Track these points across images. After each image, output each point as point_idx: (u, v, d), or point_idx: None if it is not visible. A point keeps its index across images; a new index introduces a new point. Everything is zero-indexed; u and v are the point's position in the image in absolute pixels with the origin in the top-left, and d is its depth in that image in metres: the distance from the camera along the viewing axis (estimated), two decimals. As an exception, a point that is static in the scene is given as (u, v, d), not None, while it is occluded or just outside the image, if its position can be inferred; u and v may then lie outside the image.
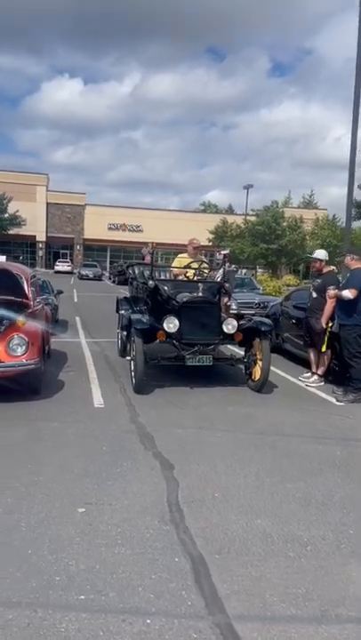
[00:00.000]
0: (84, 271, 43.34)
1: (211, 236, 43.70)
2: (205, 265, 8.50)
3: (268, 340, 7.04)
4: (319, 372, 7.75)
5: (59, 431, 5.24)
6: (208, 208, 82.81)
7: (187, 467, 4.42)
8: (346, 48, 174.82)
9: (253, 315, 10.35)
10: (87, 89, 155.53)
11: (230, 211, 72.18)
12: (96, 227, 59.84)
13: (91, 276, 42.15)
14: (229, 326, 7.02)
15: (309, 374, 7.95)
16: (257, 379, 7.10)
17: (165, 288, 7.62)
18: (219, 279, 8.31)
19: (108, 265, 57.60)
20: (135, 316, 6.93)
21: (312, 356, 7.88)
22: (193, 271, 8.25)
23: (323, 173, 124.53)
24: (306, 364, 8.53)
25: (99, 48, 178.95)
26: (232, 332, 7.02)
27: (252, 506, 3.77)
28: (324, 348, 7.58)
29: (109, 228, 61.03)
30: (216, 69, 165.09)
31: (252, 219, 39.38)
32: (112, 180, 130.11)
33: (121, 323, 9.02)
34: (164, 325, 6.81)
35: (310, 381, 7.72)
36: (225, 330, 7.01)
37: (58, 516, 3.49)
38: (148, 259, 12.48)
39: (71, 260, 56.67)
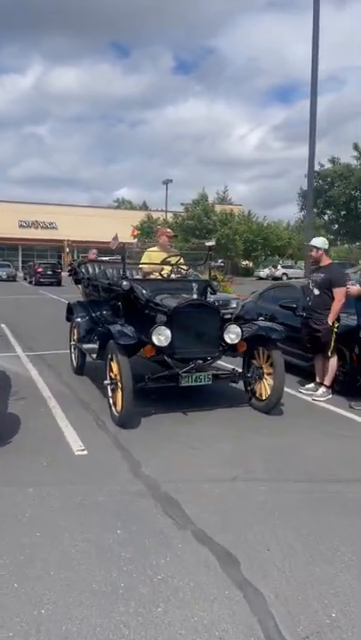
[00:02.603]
0: (-4, 272, 39.95)
1: (136, 232, 42.19)
2: (184, 260, 7.05)
3: (280, 350, 5.72)
4: (326, 382, 6.54)
5: (40, 503, 3.60)
6: (122, 204, 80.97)
7: (254, 556, 2.97)
8: (247, 48, 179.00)
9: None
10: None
11: (145, 207, 70.92)
12: (5, 224, 56.10)
13: (4, 276, 38.77)
14: (232, 335, 5.61)
15: (313, 385, 6.74)
16: (265, 397, 5.77)
17: (144, 291, 6.09)
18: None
19: (20, 264, 54.18)
20: (116, 328, 5.34)
21: (317, 364, 6.67)
22: (169, 268, 6.77)
23: (229, 170, 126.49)
24: (294, 370, 7.32)
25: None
26: (235, 341, 5.62)
27: None
28: (330, 353, 6.40)
29: (21, 226, 57.62)
30: (121, 65, 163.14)
31: (183, 214, 38.21)
32: (15, 177, 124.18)
33: (78, 334, 7.36)
34: (153, 338, 5.29)
35: (318, 395, 6.49)
36: (227, 339, 5.60)
37: None
38: (92, 255, 10.78)
39: (-21, 260, 52.70)
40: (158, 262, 6.78)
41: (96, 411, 5.80)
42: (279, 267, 48.91)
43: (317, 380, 6.69)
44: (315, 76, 12.12)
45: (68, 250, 58.44)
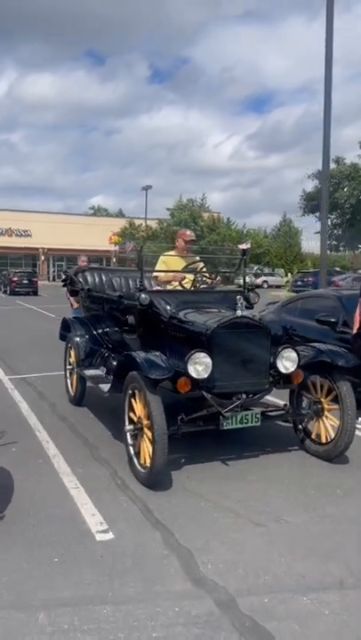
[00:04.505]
0: (-32, 281, 38.02)
1: (115, 238, 40.90)
2: (209, 267, 5.82)
3: (349, 381, 4.49)
4: (387, 415, 5.35)
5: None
6: (98, 212, 79.37)
7: None
8: (222, 58, 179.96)
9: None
10: None
11: (122, 214, 69.68)
12: (-23, 232, 54.13)
13: (-23, 286, 37.05)
14: (287, 362, 4.35)
15: (369, 419, 5.54)
16: (326, 440, 4.53)
17: (168, 306, 4.81)
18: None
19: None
20: (141, 355, 4.04)
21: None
22: (191, 277, 5.52)
23: (204, 179, 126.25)
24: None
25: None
26: (291, 370, 4.37)
27: None
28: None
29: (-7, 234, 55.61)
30: (96, 73, 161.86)
31: (168, 220, 36.96)
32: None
33: (77, 356, 6.03)
34: (190, 368, 4.00)
35: (379, 431, 5.28)
36: (280, 368, 4.34)
37: None
38: (81, 262, 9.42)
39: None
40: (178, 270, 5.55)
41: (109, 461, 4.49)
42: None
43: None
44: (329, 73, 11.24)
45: (43, 258, 56.65)
